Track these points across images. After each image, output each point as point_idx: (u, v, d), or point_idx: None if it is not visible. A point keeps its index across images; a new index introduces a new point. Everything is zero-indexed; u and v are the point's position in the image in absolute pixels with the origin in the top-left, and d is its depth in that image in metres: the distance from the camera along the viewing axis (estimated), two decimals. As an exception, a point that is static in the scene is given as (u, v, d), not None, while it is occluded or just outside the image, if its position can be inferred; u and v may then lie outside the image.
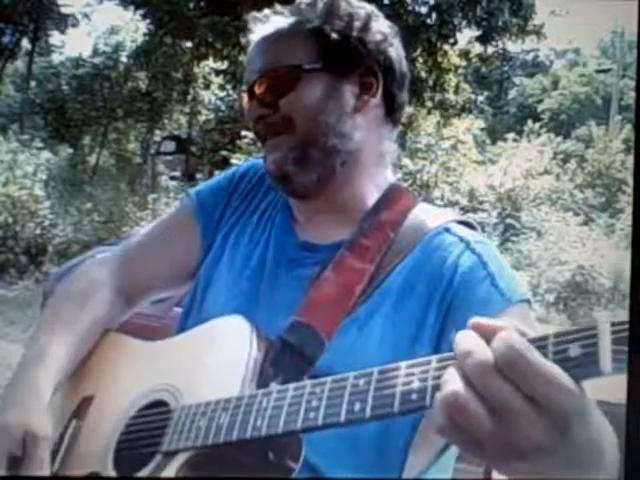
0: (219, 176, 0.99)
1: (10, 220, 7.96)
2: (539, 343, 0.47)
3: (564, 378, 0.45)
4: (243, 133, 9.03)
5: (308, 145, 0.83)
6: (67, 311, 0.91)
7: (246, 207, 0.94)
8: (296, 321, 0.78)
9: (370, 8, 0.88)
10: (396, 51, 0.88)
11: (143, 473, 0.71)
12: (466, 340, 0.48)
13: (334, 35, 0.84)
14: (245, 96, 0.87)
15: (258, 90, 0.84)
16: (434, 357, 0.52)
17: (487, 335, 0.48)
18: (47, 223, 8.24)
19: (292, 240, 0.88)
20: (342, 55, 0.84)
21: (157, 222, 1.02)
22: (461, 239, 0.81)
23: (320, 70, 0.84)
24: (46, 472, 0.76)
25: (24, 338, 5.03)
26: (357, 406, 0.55)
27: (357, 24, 0.85)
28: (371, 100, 0.86)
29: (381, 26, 0.87)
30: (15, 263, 7.77)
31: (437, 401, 0.47)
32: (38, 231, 8.13)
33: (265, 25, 0.88)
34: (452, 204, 8.77)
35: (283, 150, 0.84)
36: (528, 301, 0.78)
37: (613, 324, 0.44)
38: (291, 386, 0.61)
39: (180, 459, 0.69)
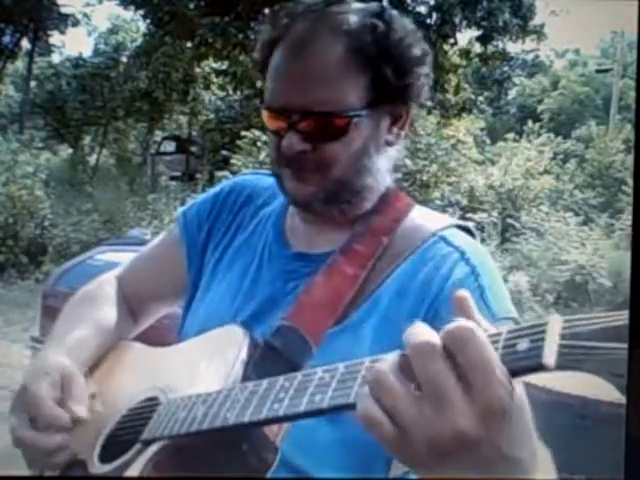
0: (206, 195, 0.99)
1: (10, 220, 7.96)
2: (492, 338, 0.47)
3: (506, 375, 0.45)
4: (243, 133, 9.02)
5: (342, 187, 0.81)
6: (78, 310, 0.97)
7: (238, 226, 0.94)
8: (283, 325, 0.78)
9: (424, 46, 0.83)
10: (429, 81, 0.85)
11: (122, 460, 0.75)
12: (417, 325, 0.49)
13: (393, 80, 0.80)
14: (273, 116, 0.81)
15: (303, 125, 0.78)
16: (395, 352, 0.52)
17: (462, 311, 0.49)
18: (47, 223, 8.24)
19: (286, 252, 0.87)
20: (391, 95, 0.81)
21: (155, 239, 1.05)
22: (456, 249, 0.79)
23: (369, 112, 0.80)
24: (84, 409, 0.82)
25: (24, 338, 5.03)
26: (317, 397, 0.56)
27: (414, 65, 0.81)
28: (401, 133, 0.85)
29: (429, 62, 0.84)
30: (15, 263, 7.77)
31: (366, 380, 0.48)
32: (38, 231, 8.12)
33: (315, 26, 0.79)
34: (452, 204, 8.77)
35: (315, 187, 0.81)
36: (513, 320, 0.76)
37: (565, 321, 0.45)
38: (265, 380, 0.63)
39: (154, 447, 0.72)
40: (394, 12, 0.82)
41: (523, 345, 0.46)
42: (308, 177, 0.81)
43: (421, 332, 0.47)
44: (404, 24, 0.82)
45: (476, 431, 0.45)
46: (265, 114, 0.82)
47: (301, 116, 0.78)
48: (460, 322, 0.47)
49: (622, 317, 0.44)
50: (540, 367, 0.45)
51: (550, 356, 0.44)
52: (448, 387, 0.45)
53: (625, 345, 0.42)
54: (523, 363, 0.45)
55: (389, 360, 0.48)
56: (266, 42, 0.83)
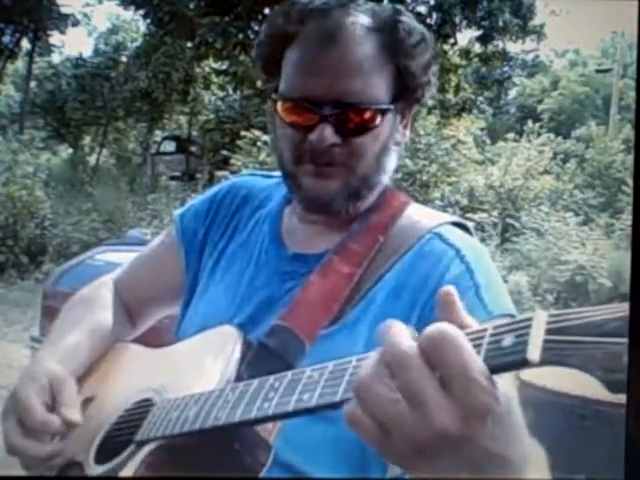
0: (203, 197, 0.99)
1: (10, 220, 7.96)
2: (477, 334, 0.47)
3: (487, 377, 0.45)
4: (243, 133, 9.02)
5: (364, 183, 0.82)
6: (74, 313, 0.96)
7: (235, 228, 0.93)
8: (276, 325, 0.78)
9: (435, 46, 0.85)
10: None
11: (117, 461, 0.75)
12: (394, 325, 0.48)
13: (413, 77, 0.81)
14: (298, 107, 0.79)
15: (336, 117, 0.78)
16: (376, 352, 0.52)
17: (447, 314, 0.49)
18: (47, 223, 8.23)
19: (283, 254, 0.86)
20: (409, 92, 0.82)
21: (153, 241, 1.04)
22: (452, 246, 0.79)
23: (393, 107, 0.81)
24: (76, 411, 0.81)
25: (24, 338, 5.03)
26: (306, 396, 0.56)
27: (431, 64, 0.83)
28: (406, 132, 0.86)
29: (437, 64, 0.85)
30: (15, 263, 7.77)
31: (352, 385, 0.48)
32: (38, 231, 8.12)
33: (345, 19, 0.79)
34: (452, 204, 8.77)
35: (340, 183, 0.80)
36: (511, 316, 0.75)
37: (550, 315, 0.45)
38: (256, 380, 0.64)
39: (148, 448, 0.72)
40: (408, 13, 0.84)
41: (508, 341, 0.46)
42: (333, 172, 0.80)
43: (396, 336, 0.47)
44: (419, 25, 0.83)
45: (458, 430, 0.45)
46: (287, 107, 0.80)
47: (334, 107, 0.77)
48: (439, 326, 0.46)
49: (609, 311, 0.43)
50: (525, 362, 0.44)
51: (534, 351, 0.44)
52: (426, 390, 0.45)
53: (613, 340, 0.42)
54: (508, 359, 0.45)
55: (370, 364, 0.48)
56: (277, 37, 0.82)
